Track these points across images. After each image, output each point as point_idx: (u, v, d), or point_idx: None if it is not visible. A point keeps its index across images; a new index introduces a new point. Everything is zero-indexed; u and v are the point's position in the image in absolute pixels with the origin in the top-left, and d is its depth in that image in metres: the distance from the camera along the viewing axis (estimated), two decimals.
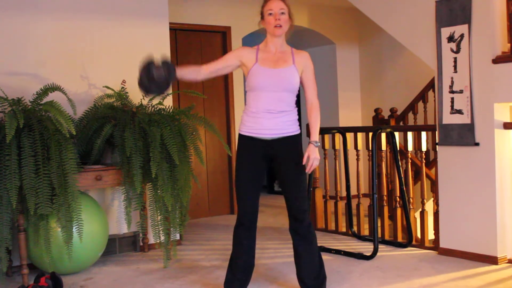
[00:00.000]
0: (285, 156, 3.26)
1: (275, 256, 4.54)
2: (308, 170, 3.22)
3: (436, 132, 4.36)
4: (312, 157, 3.21)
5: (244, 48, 3.36)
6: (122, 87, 4.59)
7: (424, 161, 4.74)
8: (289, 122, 3.27)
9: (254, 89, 3.23)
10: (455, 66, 4.18)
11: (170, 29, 5.29)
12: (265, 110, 3.21)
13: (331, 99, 7.75)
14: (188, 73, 3.28)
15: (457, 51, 4.16)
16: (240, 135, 3.32)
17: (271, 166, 3.35)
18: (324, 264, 3.45)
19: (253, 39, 8.26)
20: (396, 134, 4.81)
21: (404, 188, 4.72)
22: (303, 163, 3.21)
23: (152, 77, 3.08)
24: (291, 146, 3.27)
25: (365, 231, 5.17)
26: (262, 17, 3.33)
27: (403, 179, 4.72)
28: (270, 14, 3.26)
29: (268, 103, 3.21)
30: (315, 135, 3.29)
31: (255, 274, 3.99)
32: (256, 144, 3.24)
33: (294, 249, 3.39)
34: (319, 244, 4.73)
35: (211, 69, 3.32)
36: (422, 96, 6.28)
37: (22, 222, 3.88)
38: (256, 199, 3.30)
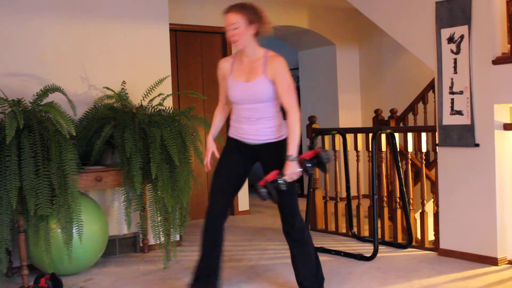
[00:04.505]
0: (270, 162, 3.23)
1: (275, 257, 4.54)
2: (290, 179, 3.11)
3: (436, 133, 4.36)
4: (288, 173, 3.06)
5: (222, 62, 3.38)
6: (122, 88, 4.59)
7: (424, 162, 4.74)
8: (271, 129, 3.22)
9: (231, 101, 3.29)
10: (455, 67, 4.18)
11: (170, 30, 5.29)
12: (245, 118, 3.24)
13: (331, 100, 7.75)
14: (220, 124, 3.44)
15: (457, 52, 4.16)
16: (227, 137, 3.39)
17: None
18: (321, 266, 3.45)
19: None
20: (396, 135, 4.81)
21: (404, 189, 4.72)
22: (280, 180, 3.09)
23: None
24: (276, 152, 3.21)
25: (365, 232, 5.17)
26: None
27: (403, 180, 4.72)
28: (227, 30, 3.19)
29: (245, 113, 3.23)
30: (291, 149, 3.09)
31: (255, 275, 4.00)
32: (242, 146, 3.27)
33: (290, 251, 3.40)
34: (319, 245, 4.74)
35: (225, 100, 3.42)
36: (422, 97, 6.28)
37: (22, 223, 3.88)
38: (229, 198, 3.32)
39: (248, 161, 3.32)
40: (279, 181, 3.05)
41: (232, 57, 3.34)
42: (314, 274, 3.38)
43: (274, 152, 3.22)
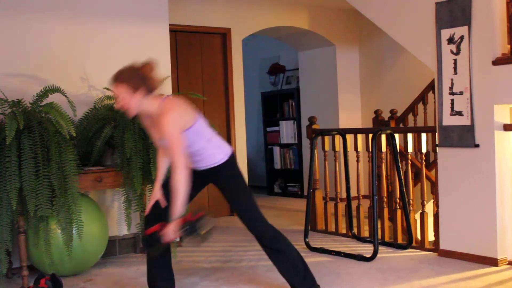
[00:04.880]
0: (217, 184, 3.38)
1: None
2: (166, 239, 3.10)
3: (436, 133, 4.36)
4: (164, 232, 3.06)
5: (141, 120, 3.39)
6: None
7: (424, 163, 4.74)
8: (208, 158, 3.28)
9: None
10: (455, 68, 4.18)
11: (170, 30, 5.29)
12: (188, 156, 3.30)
13: (331, 100, 7.74)
14: (165, 168, 3.41)
15: (457, 53, 4.16)
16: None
17: None
18: (308, 267, 3.46)
19: (253, 41, 8.28)
20: (396, 135, 4.81)
21: (404, 190, 4.72)
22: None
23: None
24: (218, 175, 3.33)
25: (365, 233, 5.17)
26: None
27: (403, 181, 4.71)
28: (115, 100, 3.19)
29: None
30: (172, 211, 3.06)
31: (255, 275, 4.00)
32: (193, 172, 3.30)
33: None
34: (319, 246, 4.74)
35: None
36: (422, 98, 6.28)
37: (22, 224, 3.88)
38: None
39: (200, 183, 3.39)
40: (158, 235, 3.10)
41: (133, 115, 3.29)
42: (301, 276, 3.40)
43: (217, 176, 3.33)
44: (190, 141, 3.17)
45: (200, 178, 3.32)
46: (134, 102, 3.10)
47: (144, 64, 3.19)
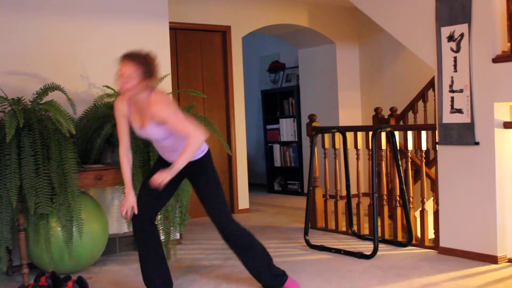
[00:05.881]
0: (191, 178, 3.45)
1: (275, 255, 4.50)
2: (155, 182, 3.16)
3: (436, 131, 4.36)
4: (159, 175, 3.15)
5: (118, 103, 3.36)
6: None
7: (424, 160, 4.74)
8: (177, 154, 3.30)
9: None
10: (455, 65, 4.18)
11: (170, 28, 5.29)
12: (160, 149, 3.41)
13: (331, 98, 7.74)
14: (131, 171, 3.45)
15: (457, 50, 4.16)
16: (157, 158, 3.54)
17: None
18: (273, 262, 3.52)
19: (253, 39, 8.27)
20: (396, 133, 4.81)
21: (404, 187, 4.72)
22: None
23: None
24: (193, 170, 3.38)
25: (365, 230, 5.17)
26: None
27: (403, 178, 4.72)
28: (118, 77, 3.20)
29: (158, 147, 3.41)
30: (176, 163, 3.16)
31: None
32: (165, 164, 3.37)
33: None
34: (319, 243, 4.74)
35: (125, 142, 3.40)
36: (422, 95, 6.28)
37: (22, 222, 3.88)
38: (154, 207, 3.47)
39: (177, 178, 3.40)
40: None
41: (125, 98, 3.31)
42: (267, 272, 3.47)
43: (192, 170, 3.38)
44: (172, 133, 3.22)
45: (178, 173, 3.29)
46: (135, 87, 3.14)
47: (155, 56, 3.25)
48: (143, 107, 3.23)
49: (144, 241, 3.45)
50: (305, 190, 7.19)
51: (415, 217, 4.85)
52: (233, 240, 3.46)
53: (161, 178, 3.12)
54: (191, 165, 3.31)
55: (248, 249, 3.48)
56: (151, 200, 3.42)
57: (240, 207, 6.64)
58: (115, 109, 3.38)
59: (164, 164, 3.38)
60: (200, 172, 3.41)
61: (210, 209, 3.43)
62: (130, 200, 3.36)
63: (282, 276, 3.52)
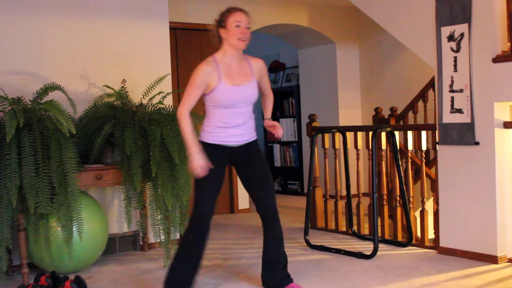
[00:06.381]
0: (253, 158, 3.42)
1: None
2: (279, 134, 3.42)
3: (436, 131, 4.36)
4: (277, 124, 3.45)
5: (205, 66, 3.26)
6: (122, 86, 4.59)
7: (424, 160, 4.74)
8: (251, 129, 3.43)
9: (220, 107, 3.30)
10: (455, 65, 4.17)
11: (170, 28, 5.29)
12: (235, 124, 3.33)
13: (331, 98, 7.74)
14: (191, 130, 3.34)
15: (457, 50, 4.16)
16: (204, 143, 3.35)
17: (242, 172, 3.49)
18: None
19: (253, 39, 8.25)
20: (396, 133, 4.81)
21: (404, 187, 4.72)
22: (274, 131, 3.43)
23: None
24: (257, 149, 3.45)
25: (365, 230, 5.17)
26: (222, 26, 3.30)
27: (403, 178, 4.71)
28: (237, 26, 3.24)
29: (234, 118, 3.33)
30: (270, 114, 3.57)
31: (255, 273, 3.99)
32: (223, 150, 3.35)
33: (269, 249, 3.50)
34: (319, 244, 4.75)
35: (192, 106, 3.35)
36: (422, 95, 6.28)
37: (22, 221, 3.88)
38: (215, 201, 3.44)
39: (226, 164, 3.48)
40: None
41: (212, 62, 3.28)
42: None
43: (255, 150, 3.43)
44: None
45: (229, 156, 3.38)
46: (249, 39, 3.31)
47: None
48: (241, 65, 3.33)
49: (205, 234, 3.35)
50: (305, 190, 7.20)
51: (415, 217, 4.85)
52: (279, 225, 3.47)
53: (281, 131, 3.38)
54: (251, 145, 3.39)
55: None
56: (217, 192, 3.39)
57: (240, 207, 6.64)
58: (201, 72, 3.23)
59: (219, 150, 3.31)
60: (259, 153, 3.45)
61: (268, 189, 3.42)
62: (200, 159, 3.24)
63: (290, 277, 3.56)
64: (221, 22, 3.31)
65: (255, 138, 3.46)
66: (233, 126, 3.33)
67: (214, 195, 3.37)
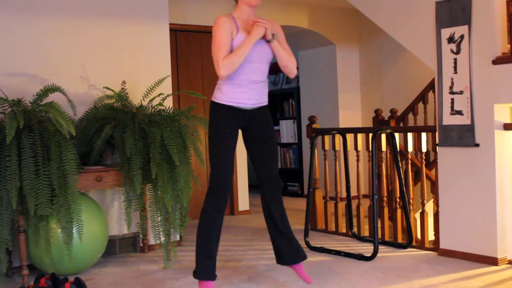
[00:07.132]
0: (263, 123, 3.43)
1: (275, 257, 4.53)
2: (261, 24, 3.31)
3: (436, 133, 4.36)
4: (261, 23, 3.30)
5: (222, 19, 3.33)
6: (122, 88, 4.59)
7: (424, 162, 4.74)
8: (265, 92, 3.46)
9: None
10: (455, 67, 4.18)
11: (170, 30, 5.29)
12: (250, 81, 3.34)
13: (331, 100, 7.75)
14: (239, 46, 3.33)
15: (457, 52, 4.16)
16: (216, 104, 3.36)
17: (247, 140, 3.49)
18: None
19: None
20: (396, 135, 4.81)
21: (404, 189, 4.72)
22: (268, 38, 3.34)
23: None
24: (267, 114, 3.47)
25: (365, 232, 5.17)
26: None
27: (403, 180, 4.72)
28: None
29: (252, 74, 3.33)
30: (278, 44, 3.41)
31: (256, 274, 4.00)
32: (235, 114, 3.35)
33: (274, 217, 3.54)
34: (319, 245, 4.74)
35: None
36: (422, 97, 6.28)
37: (22, 223, 3.88)
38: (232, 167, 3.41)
39: (238, 128, 3.45)
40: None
41: (230, 15, 3.39)
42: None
43: (266, 114, 3.44)
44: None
45: (241, 120, 3.37)
46: None
47: None
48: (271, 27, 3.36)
49: (222, 206, 3.39)
50: (305, 192, 7.19)
51: (415, 219, 4.85)
52: (280, 195, 3.50)
53: (263, 23, 3.25)
54: (262, 109, 3.40)
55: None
56: (232, 160, 3.38)
57: (240, 209, 6.64)
58: (222, 21, 3.30)
59: (232, 113, 3.32)
60: (269, 115, 3.46)
61: (274, 156, 3.43)
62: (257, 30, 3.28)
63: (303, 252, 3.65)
64: None
65: (266, 103, 3.47)
66: (247, 84, 3.33)
67: (229, 159, 3.35)
